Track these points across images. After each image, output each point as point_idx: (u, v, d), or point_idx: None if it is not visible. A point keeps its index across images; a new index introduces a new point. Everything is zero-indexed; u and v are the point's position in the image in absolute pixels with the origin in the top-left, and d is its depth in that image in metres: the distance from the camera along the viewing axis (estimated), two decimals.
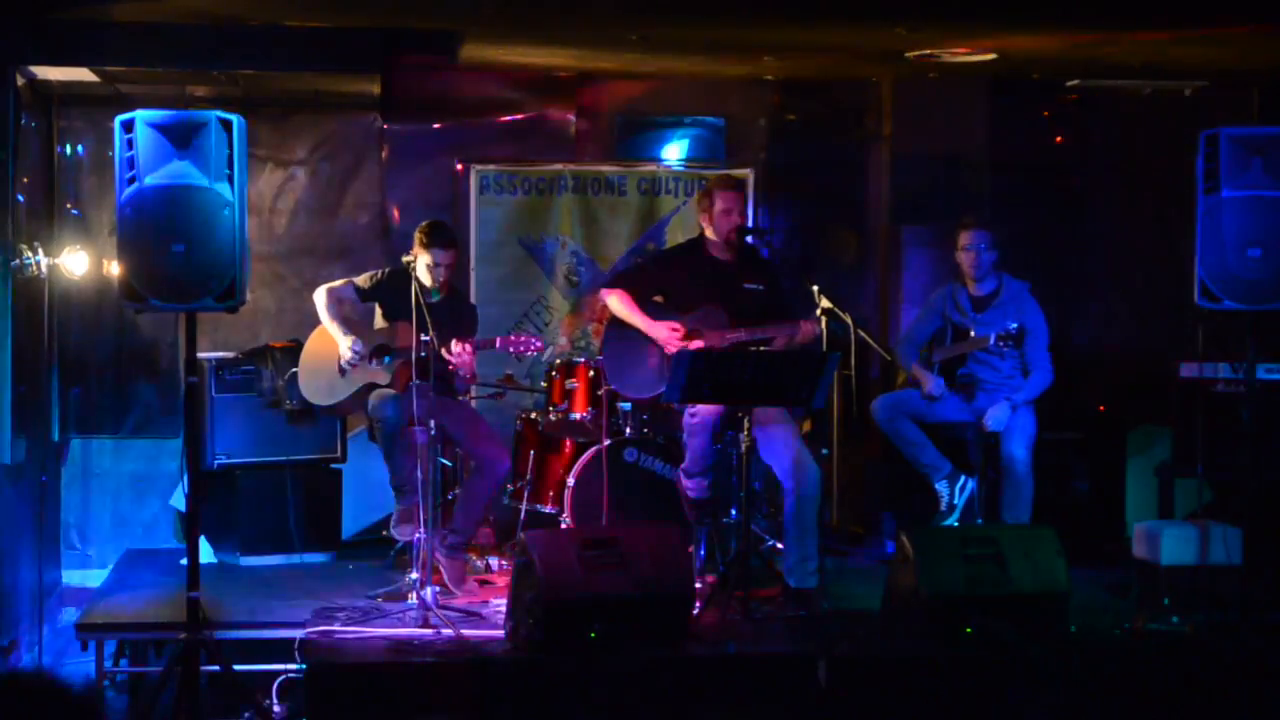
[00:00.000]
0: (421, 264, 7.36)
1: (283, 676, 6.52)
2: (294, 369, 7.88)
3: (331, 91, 9.04)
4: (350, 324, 7.53)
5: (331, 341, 7.53)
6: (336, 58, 8.02)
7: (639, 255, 9.17)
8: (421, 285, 7.16)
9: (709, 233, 7.59)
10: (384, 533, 7.67)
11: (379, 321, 7.56)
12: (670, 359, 7.22)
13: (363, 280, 7.62)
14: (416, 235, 7.45)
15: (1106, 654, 6.50)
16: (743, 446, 6.96)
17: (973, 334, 7.74)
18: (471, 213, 9.26)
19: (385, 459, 7.38)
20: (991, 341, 7.60)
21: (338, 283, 7.67)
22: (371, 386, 7.45)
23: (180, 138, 6.14)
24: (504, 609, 6.58)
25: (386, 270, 7.68)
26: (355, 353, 7.42)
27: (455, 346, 7.13)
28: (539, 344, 7.38)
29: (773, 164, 9.54)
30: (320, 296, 7.59)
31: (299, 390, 7.76)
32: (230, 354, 8.57)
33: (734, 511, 7.37)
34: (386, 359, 7.43)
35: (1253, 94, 9.38)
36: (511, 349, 7.35)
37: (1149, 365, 9.18)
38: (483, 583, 7.64)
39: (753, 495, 7.20)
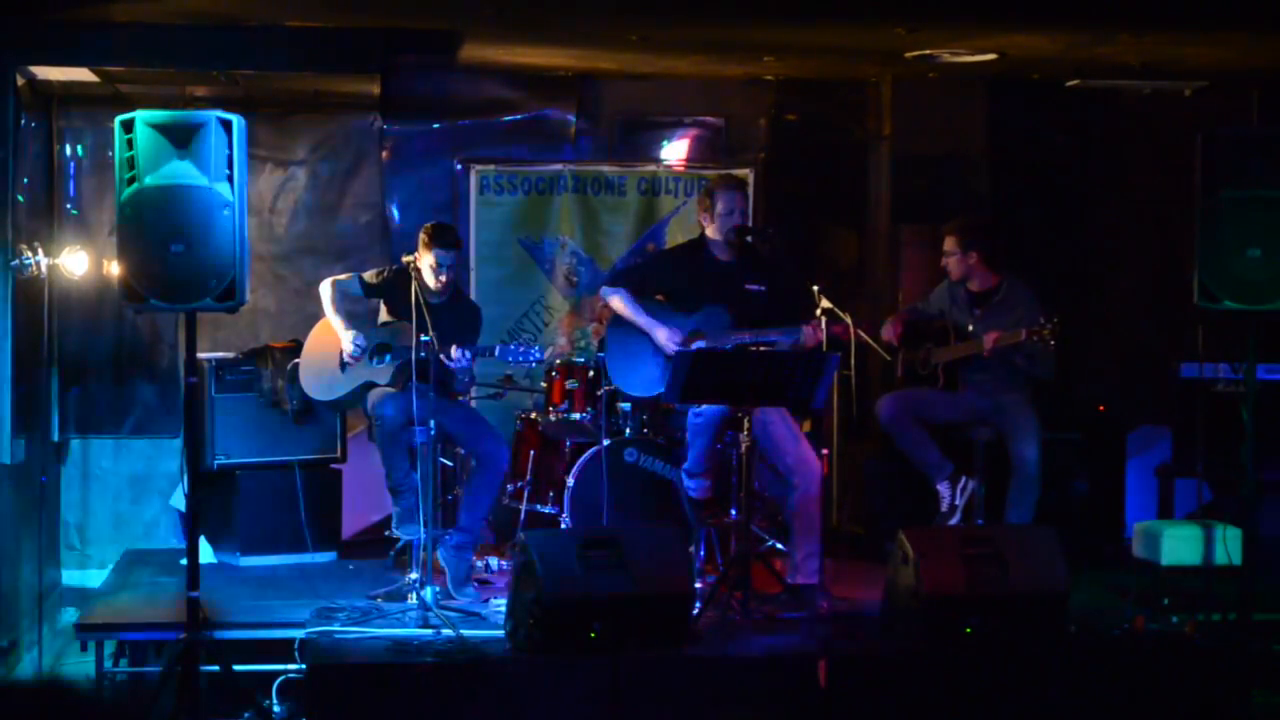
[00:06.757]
0: (425, 265, 7.34)
1: (283, 676, 6.52)
2: (296, 360, 7.88)
3: (331, 91, 9.04)
4: (354, 319, 7.53)
5: (334, 335, 7.51)
6: (336, 58, 8.02)
7: (639, 255, 9.17)
8: (424, 286, 7.16)
9: (710, 233, 7.58)
10: (386, 533, 7.68)
11: (384, 318, 7.56)
12: (670, 358, 7.22)
13: (370, 276, 7.59)
14: (420, 236, 7.41)
15: (1106, 654, 6.50)
16: (743, 446, 6.96)
17: (971, 329, 7.76)
18: (471, 213, 9.26)
19: (382, 459, 7.36)
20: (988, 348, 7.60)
21: (344, 276, 7.65)
22: (371, 384, 7.45)
23: (180, 138, 6.13)
24: (504, 609, 6.59)
25: (393, 268, 7.62)
26: (357, 346, 7.41)
27: (454, 352, 7.11)
28: (539, 355, 7.34)
29: (773, 164, 9.54)
30: (326, 289, 7.58)
31: (299, 386, 7.76)
32: (230, 354, 8.56)
33: (734, 511, 7.36)
34: (387, 358, 7.43)
35: (1253, 94, 9.38)
36: (510, 359, 7.33)
37: (1149, 365, 9.18)
38: (483, 583, 7.64)
39: (753, 495, 7.20)
